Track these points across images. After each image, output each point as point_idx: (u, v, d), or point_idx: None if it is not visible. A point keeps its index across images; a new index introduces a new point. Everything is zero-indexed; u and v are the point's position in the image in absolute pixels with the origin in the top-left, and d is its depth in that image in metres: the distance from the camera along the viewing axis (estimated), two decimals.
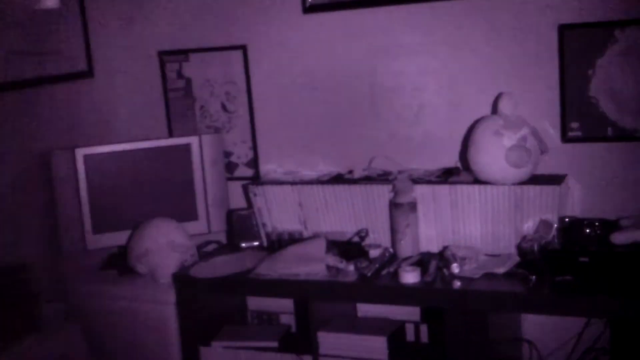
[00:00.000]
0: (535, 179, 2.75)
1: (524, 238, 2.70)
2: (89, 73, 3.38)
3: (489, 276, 2.62)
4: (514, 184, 2.72)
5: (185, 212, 3.24)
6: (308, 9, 3.13)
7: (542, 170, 2.79)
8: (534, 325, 2.89)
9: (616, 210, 2.74)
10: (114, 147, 3.21)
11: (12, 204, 3.00)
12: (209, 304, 3.04)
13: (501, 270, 2.63)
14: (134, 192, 3.22)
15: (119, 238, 3.18)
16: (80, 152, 3.14)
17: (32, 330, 2.54)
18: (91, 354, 2.93)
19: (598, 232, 2.63)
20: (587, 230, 2.64)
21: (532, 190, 2.70)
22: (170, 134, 3.47)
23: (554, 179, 2.75)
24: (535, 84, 2.85)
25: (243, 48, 3.28)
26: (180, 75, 3.41)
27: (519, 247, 2.70)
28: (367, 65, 3.10)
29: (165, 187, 3.25)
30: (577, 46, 2.76)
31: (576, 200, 2.84)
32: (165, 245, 3.01)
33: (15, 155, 3.02)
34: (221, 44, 3.31)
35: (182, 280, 2.96)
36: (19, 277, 2.56)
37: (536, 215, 2.71)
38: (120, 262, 3.15)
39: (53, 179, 3.11)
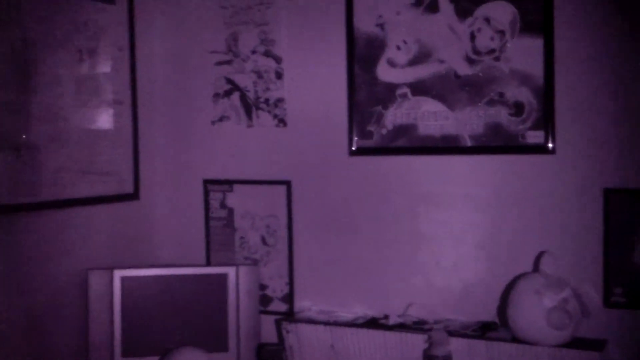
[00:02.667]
0: (575, 343, 2.69)
1: None
2: (134, 195, 3.44)
3: None
4: (553, 346, 2.67)
5: (215, 342, 3.20)
6: (354, 152, 3.19)
7: (582, 333, 2.74)
8: None
9: None
10: (152, 272, 3.22)
11: (48, 320, 3.00)
12: None
13: None
14: (167, 318, 3.21)
15: None
16: (118, 274, 3.15)
17: None
18: None
19: None
20: None
21: (572, 354, 2.65)
22: (208, 262, 3.48)
23: (595, 344, 2.69)
24: (578, 245, 2.84)
25: (287, 184, 3.33)
26: (223, 205, 3.46)
27: None
28: (409, 210, 3.12)
29: (198, 316, 3.23)
30: (622, 211, 2.76)
31: None
32: None
33: (54, 272, 3.04)
34: (266, 178, 3.37)
35: None
36: None
37: None
38: None
39: (88, 298, 3.11)
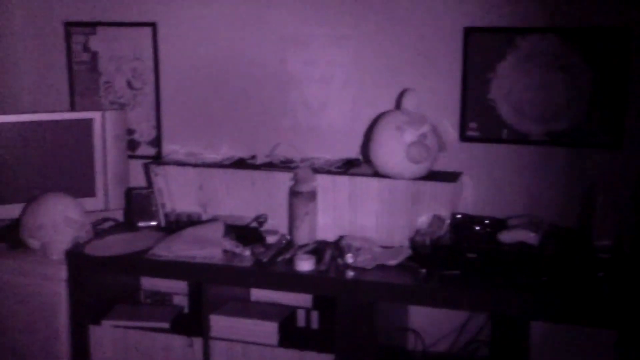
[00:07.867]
0: (432, 176, 2.82)
1: (417, 232, 2.77)
2: None
3: (382, 267, 2.68)
4: (411, 179, 2.79)
5: (83, 187, 3.18)
6: None
7: (439, 167, 2.88)
8: (421, 316, 2.98)
9: (506, 209, 2.86)
10: (14, 118, 3.13)
11: None
12: (102, 283, 3.00)
13: (393, 262, 2.69)
14: (32, 165, 3.14)
15: (12, 211, 3.09)
16: None
17: None
18: None
19: (487, 229, 2.72)
20: (477, 228, 2.74)
21: (428, 186, 2.78)
22: (73, 108, 3.40)
23: (450, 176, 2.83)
24: (438, 83, 2.93)
25: (153, 25, 3.24)
26: (86, 48, 3.34)
27: (412, 241, 2.76)
28: (278, 52, 3.11)
29: (64, 161, 3.18)
30: (480, 49, 2.85)
31: (469, 198, 2.93)
32: (60, 221, 2.95)
33: None
34: (130, 20, 3.26)
35: (75, 257, 2.91)
36: None
37: (430, 210, 2.79)
38: (11, 236, 3.07)
39: None
